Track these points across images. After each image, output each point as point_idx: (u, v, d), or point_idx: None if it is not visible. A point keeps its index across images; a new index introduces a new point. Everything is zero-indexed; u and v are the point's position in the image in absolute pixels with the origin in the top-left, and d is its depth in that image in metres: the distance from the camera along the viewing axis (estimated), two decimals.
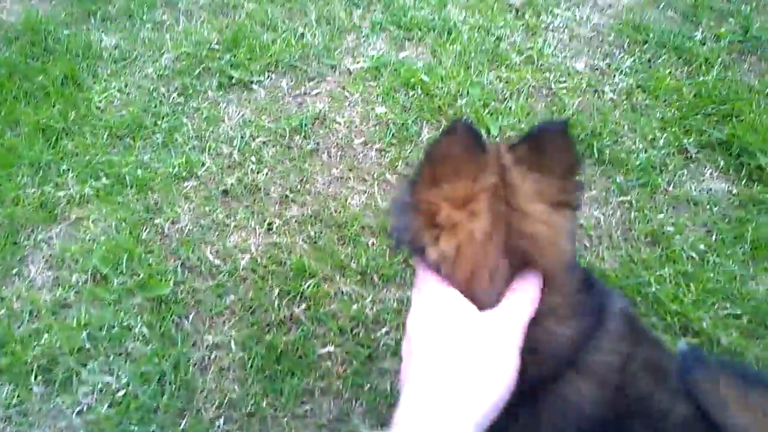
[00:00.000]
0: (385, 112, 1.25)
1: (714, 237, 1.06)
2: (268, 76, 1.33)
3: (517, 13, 1.45)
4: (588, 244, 1.07)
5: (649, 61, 1.34)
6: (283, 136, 1.22)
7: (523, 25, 1.42)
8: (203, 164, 1.18)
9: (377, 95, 1.29)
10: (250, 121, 1.25)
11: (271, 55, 1.35)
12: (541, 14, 1.44)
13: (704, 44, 1.37)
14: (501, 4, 1.46)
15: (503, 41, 1.38)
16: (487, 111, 1.25)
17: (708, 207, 1.11)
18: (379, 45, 1.39)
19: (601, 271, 1.02)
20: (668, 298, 0.97)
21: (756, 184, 1.13)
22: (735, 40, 1.39)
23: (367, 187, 1.15)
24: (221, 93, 1.31)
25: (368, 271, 1.02)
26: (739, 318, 0.95)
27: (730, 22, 1.44)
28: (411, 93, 1.28)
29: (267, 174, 1.17)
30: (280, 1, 1.48)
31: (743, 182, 1.14)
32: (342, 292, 1.00)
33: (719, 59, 1.34)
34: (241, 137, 1.22)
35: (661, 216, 1.09)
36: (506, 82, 1.31)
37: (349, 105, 1.28)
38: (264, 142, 1.22)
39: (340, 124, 1.24)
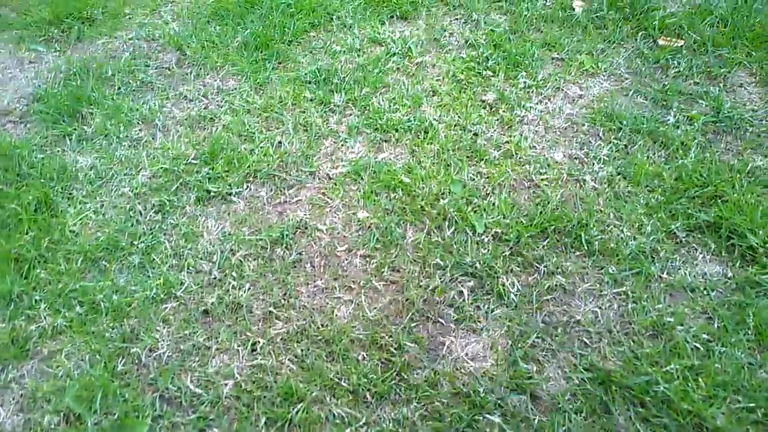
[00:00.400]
0: (368, 217, 1.39)
1: (716, 324, 1.15)
2: (247, 187, 1.48)
3: (491, 109, 1.66)
4: (588, 342, 1.16)
5: (626, 147, 1.53)
6: (264, 248, 1.34)
7: (497, 120, 1.62)
8: (182, 283, 1.28)
9: (358, 199, 1.43)
10: (230, 234, 1.38)
11: (249, 166, 1.51)
12: (514, 108, 1.65)
13: (678, 127, 1.57)
14: (474, 101, 1.68)
15: (480, 137, 1.57)
16: (470, 208, 1.39)
17: (705, 292, 1.22)
18: (357, 148, 1.57)
19: (606, 371, 1.09)
20: (678, 396, 1.04)
21: (750, 265, 1.25)
22: (708, 121, 1.60)
23: (353, 296, 1.25)
24: (200, 207, 1.44)
25: (360, 389, 1.08)
26: (753, 411, 1.02)
27: (700, 103, 1.66)
28: (392, 195, 1.43)
29: (249, 289, 1.26)
30: (256, 111, 1.68)
31: (737, 264, 1.26)
32: (333, 414, 1.06)
33: (695, 141, 1.53)
34: (221, 252, 1.34)
35: (660, 306, 1.19)
36: (487, 178, 1.47)
37: (330, 211, 1.42)
38: (245, 256, 1.33)
39: (322, 231, 1.37)
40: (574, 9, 2.00)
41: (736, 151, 1.53)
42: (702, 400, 1.03)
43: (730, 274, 1.25)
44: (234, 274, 1.29)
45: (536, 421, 1.05)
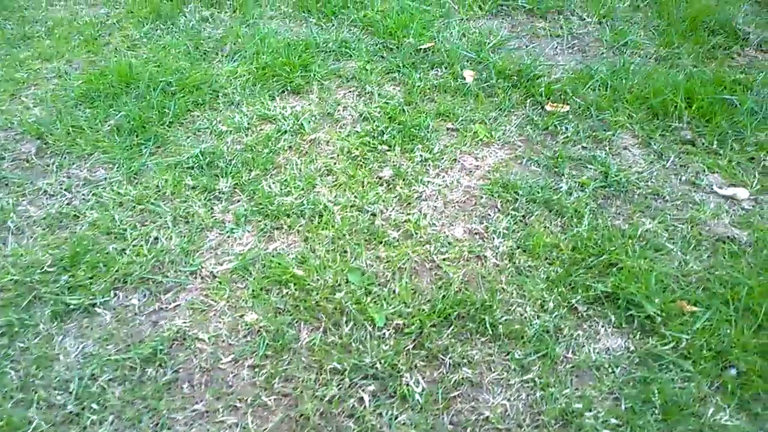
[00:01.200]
0: (257, 319, 1.29)
1: (623, 406, 1.15)
2: (115, 295, 1.34)
3: (388, 186, 1.65)
4: None
5: (524, 218, 1.57)
6: (133, 369, 1.20)
7: (395, 197, 1.61)
8: (30, 423, 1.10)
9: (246, 299, 1.34)
10: (92, 354, 1.22)
11: (118, 270, 1.38)
12: (412, 184, 1.65)
13: (571, 194, 1.64)
14: (371, 178, 1.67)
15: (378, 217, 1.55)
16: (370, 299, 1.34)
17: (610, 370, 1.22)
18: (246, 239, 1.48)
19: None
20: None
21: (650, 336, 1.29)
22: (598, 186, 1.68)
23: (239, 417, 1.13)
24: (56, 324, 1.28)
25: None
26: None
27: (590, 168, 1.75)
28: (284, 291, 1.35)
29: (112, 423, 1.11)
30: (129, 203, 1.56)
31: (638, 336, 1.29)
32: None
33: (588, 207, 1.60)
34: (80, 378, 1.17)
35: (567, 391, 1.18)
36: (387, 262, 1.43)
37: (214, 316, 1.31)
38: (109, 381, 1.18)
39: (203, 341, 1.25)
40: (465, 78, 2.10)
41: (626, 215, 1.61)
42: None
43: (632, 348, 1.27)
44: (94, 405, 1.13)
45: None
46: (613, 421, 1.12)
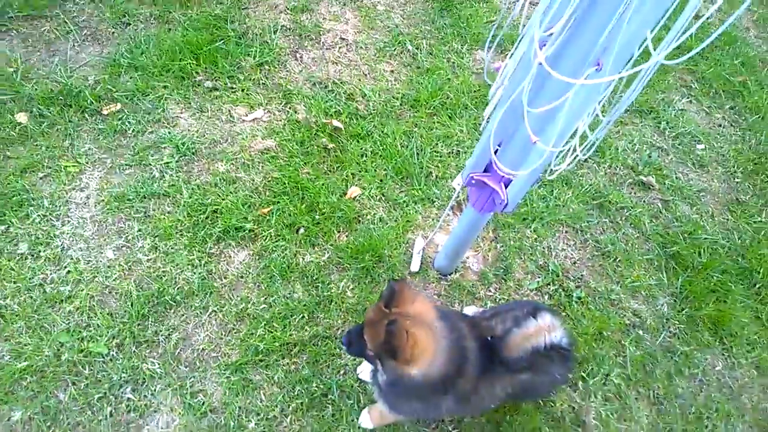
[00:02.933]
0: None
1: None
2: None
3: (32, 256, 1.96)
4: None
5: (146, 215, 2.14)
6: None
7: (45, 259, 1.96)
8: None
9: None
10: None
11: None
12: (50, 242, 2.00)
13: (164, 178, 2.25)
14: None
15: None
16: None
17: None
18: None
19: None
20: None
21: None
22: (179, 159, 2.32)
23: None
24: None
25: None
26: None
27: (165, 147, 2.35)
28: None
29: None
30: None
31: None
32: None
33: (182, 183, 2.25)
34: None
35: None
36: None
37: None
38: None
39: None
40: (20, 122, 2.28)
41: (208, 169, 2.33)
42: None
43: None
44: None
45: None
46: None
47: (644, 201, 2.59)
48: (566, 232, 2.41)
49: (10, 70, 2.42)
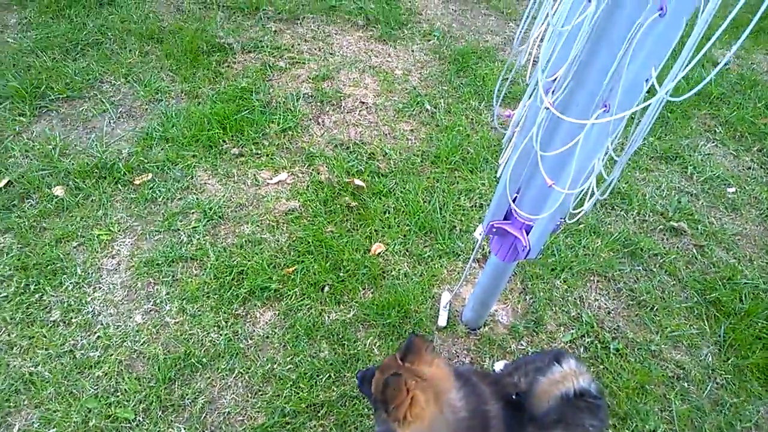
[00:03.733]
0: None
1: None
2: None
3: (64, 322, 2.03)
4: None
5: (173, 277, 2.20)
6: None
7: (76, 325, 2.02)
8: None
9: None
10: None
11: None
12: (81, 308, 2.07)
13: (191, 242, 2.34)
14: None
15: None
16: None
17: None
18: None
19: None
20: None
21: None
22: (206, 223, 2.41)
23: None
24: None
25: None
26: None
27: (193, 211, 2.45)
28: None
29: None
30: None
31: None
32: None
33: (209, 245, 2.33)
34: None
35: None
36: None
37: None
38: None
39: None
40: (56, 194, 2.43)
41: (234, 232, 2.41)
42: None
43: None
44: None
45: None
46: None
47: (677, 247, 2.54)
48: (598, 281, 2.36)
49: (49, 147, 2.61)
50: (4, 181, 2.42)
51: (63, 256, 2.22)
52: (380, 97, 3.18)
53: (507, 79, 2.98)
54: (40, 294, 2.10)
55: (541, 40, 1.09)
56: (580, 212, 1.35)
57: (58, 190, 2.44)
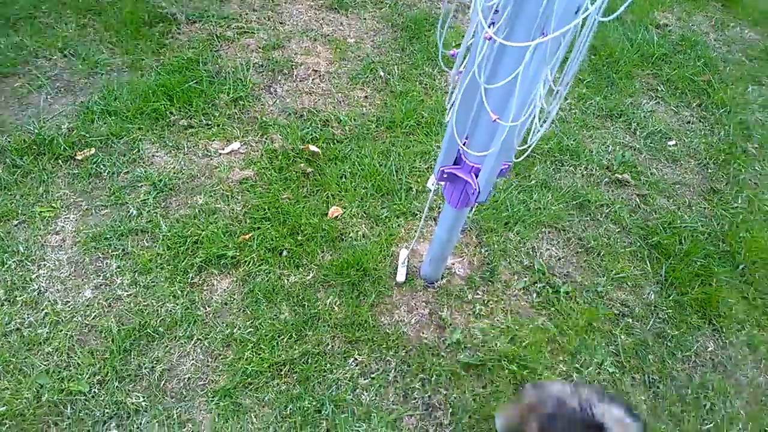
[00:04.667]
0: None
1: None
2: None
3: (9, 301, 1.95)
4: None
5: (123, 251, 2.15)
6: None
7: (21, 301, 1.94)
8: None
9: None
10: None
11: None
12: (27, 284, 1.99)
13: (141, 215, 2.27)
14: None
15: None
16: None
17: None
18: None
19: None
20: None
21: None
22: (156, 195, 2.35)
23: None
24: None
25: None
26: None
27: (142, 184, 2.38)
28: None
29: None
30: None
31: None
32: None
33: (159, 215, 2.27)
34: None
35: None
36: None
37: None
38: None
39: None
40: None
41: (187, 203, 2.36)
42: None
43: None
44: None
45: None
46: None
47: (622, 198, 2.65)
48: (549, 232, 2.44)
49: None
50: None
51: (3, 234, 2.12)
52: (333, 65, 3.15)
53: (447, 22, 3.00)
54: None
55: None
56: (528, 149, 1.39)
57: None
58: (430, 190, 1.77)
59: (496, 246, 2.33)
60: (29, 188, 2.29)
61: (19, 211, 2.21)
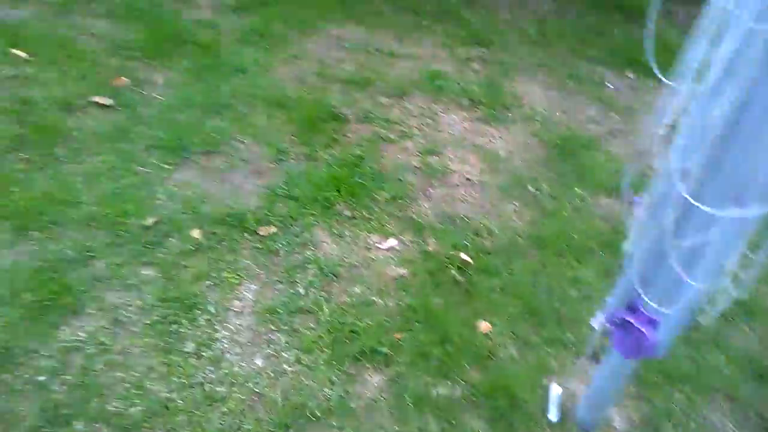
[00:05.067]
0: None
1: None
2: None
3: (197, 355, 2.23)
4: None
5: (292, 328, 2.38)
6: None
7: (194, 357, 2.21)
8: None
9: None
10: None
11: None
12: (204, 348, 2.27)
13: (308, 295, 2.53)
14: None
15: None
16: None
17: None
18: None
19: None
20: None
21: None
22: (321, 278, 2.60)
23: None
24: None
25: None
26: None
27: (309, 267, 2.66)
28: None
29: None
30: None
31: None
32: None
33: (323, 299, 2.51)
34: None
35: None
36: None
37: None
38: None
39: None
40: (194, 236, 2.72)
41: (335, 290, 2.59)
42: None
43: None
44: None
45: None
46: None
47: None
48: (723, 401, 2.34)
49: (189, 194, 2.93)
50: (153, 220, 2.74)
51: (199, 293, 2.46)
52: (484, 174, 3.37)
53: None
54: (177, 325, 2.32)
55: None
56: (714, 311, 1.40)
57: (196, 233, 2.73)
58: (595, 330, 1.82)
59: (659, 405, 2.26)
60: (221, 254, 2.65)
61: (212, 274, 2.56)
